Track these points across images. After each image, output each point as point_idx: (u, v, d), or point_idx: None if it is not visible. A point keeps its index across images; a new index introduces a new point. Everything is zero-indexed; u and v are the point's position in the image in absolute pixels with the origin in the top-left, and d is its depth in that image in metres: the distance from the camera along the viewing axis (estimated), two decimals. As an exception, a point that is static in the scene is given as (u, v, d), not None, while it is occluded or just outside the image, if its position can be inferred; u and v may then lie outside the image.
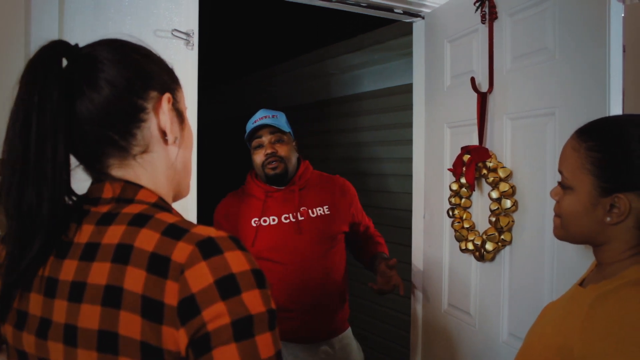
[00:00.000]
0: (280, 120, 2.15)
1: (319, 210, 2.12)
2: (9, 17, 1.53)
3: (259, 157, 2.13)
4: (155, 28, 1.74)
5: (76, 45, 0.80)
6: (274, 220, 2.08)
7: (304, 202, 2.12)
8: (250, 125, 2.16)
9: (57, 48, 0.77)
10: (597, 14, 1.48)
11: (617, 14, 1.43)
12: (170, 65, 0.89)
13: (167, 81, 0.85)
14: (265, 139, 2.12)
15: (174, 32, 1.76)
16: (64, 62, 0.78)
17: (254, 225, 2.07)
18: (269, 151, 2.10)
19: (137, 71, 0.80)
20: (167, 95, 0.83)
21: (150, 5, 1.73)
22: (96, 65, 0.78)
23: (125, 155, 0.80)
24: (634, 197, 0.99)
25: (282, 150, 2.11)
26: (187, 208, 1.81)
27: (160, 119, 0.82)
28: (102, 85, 0.76)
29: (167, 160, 0.84)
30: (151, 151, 0.82)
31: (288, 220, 2.08)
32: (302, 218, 2.09)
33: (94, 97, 0.76)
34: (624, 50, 2.25)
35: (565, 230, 1.11)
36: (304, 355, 2.08)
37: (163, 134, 0.83)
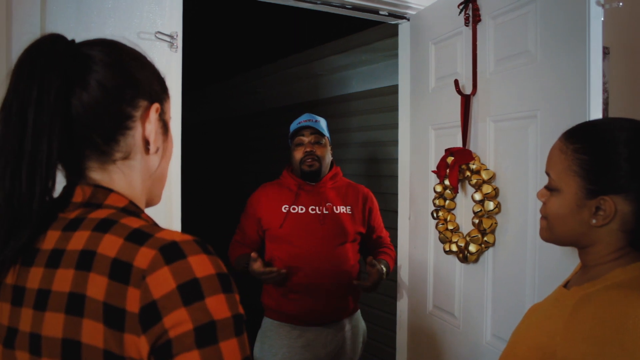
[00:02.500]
0: (321, 124, 2.40)
1: (342, 208, 2.35)
2: (-10, 18, 1.52)
3: (298, 154, 2.35)
4: (139, 30, 1.73)
5: (72, 41, 0.78)
6: (302, 209, 2.31)
7: (330, 199, 2.35)
8: (294, 125, 2.41)
9: (57, 42, 0.75)
10: (577, 17, 1.49)
11: (596, 17, 1.44)
12: (162, 75, 0.88)
13: (158, 91, 0.84)
14: (306, 138, 2.36)
15: (157, 35, 1.75)
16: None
17: (284, 211, 2.30)
18: (308, 149, 2.33)
19: (129, 78, 0.79)
20: (155, 106, 0.82)
21: (133, 8, 1.72)
22: (90, 65, 0.76)
23: (105, 159, 0.79)
24: (619, 200, 0.99)
25: (319, 151, 2.35)
26: (172, 213, 1.81)
27: (146, 128, 0.81)
28: (93, 87, 0.75)
29: (145, 169, 0.84)
30: (132, 159, 0.81)
31: (314, 212, 2.31)
32: (327, 212, 2.31)
33: (83, 97, 0.75)
34: (608, 53, 2.27)
35: (551, 232, 1.11)
36: (314, 337, 2.25)
37: (146, 143, 0.82)
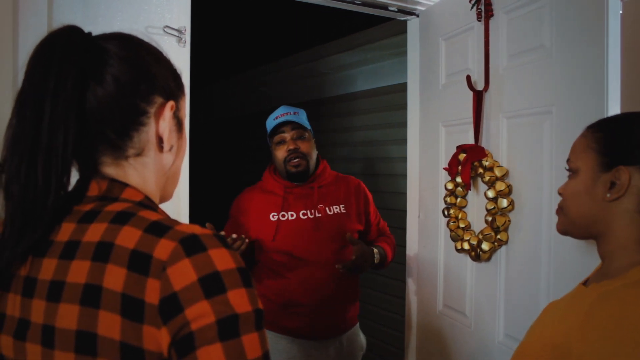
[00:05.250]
0: (301, 116, 2.17)
1: (336, 208, 2.16)
2: (-4, 12, 1.50)
3: (280, 153, 2.14)
4: (147, 25, 1.71)
5: (89, 33, 0.78)
6: (292, 215, 2.11)
7: (321, 200, 2.15)
8: (271, 121, 2.17)
9: (73, 34, 0.74)
10: (595, 10, 1.46)
11: (615, 10, 1.42)
12: (178, 71, 0.87)
13: (173, 88, 0.83)
14: (288, 135, 2.13)
15: (165, 29, 1.73)
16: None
17: (274, 219, 2.10)
18: (291, 147, 2.11)
19: (145, 73, 0.78)
20: (170, 103, 0.81)
21: (141, 2, 1.69)
22: (105, 58, 0.75)
23: (119, 155, 0.78)
24: (634, 171, 0.99)
25: (304, 147, 2.13)
26: (180, 210, 1.79)
27: (160, 125, 0.80)
28: (108, 81, 0.75)
29: (159, 166, 0.83)
30: (145, 155, 0.80)
31: (306, 217, 2.11)
32: (320, 215, 2.12)
33: (97, 91, 0.74)
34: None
35: (565, 218, 1.10)
36: (315, 352, 2.11)
37: (160, 140, 0.81)
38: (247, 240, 1.95)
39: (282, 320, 2.08)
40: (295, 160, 2.11)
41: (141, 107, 0.78)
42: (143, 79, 0.78)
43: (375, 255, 2.10)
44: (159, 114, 0.80)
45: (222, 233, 2.13)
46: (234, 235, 1.95)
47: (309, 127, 2.19)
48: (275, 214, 2.11)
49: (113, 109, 0.75)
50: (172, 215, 0.77)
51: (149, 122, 0.79)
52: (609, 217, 1.02)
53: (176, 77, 0.85)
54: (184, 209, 1.81)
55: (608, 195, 1.01)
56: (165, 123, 0.80)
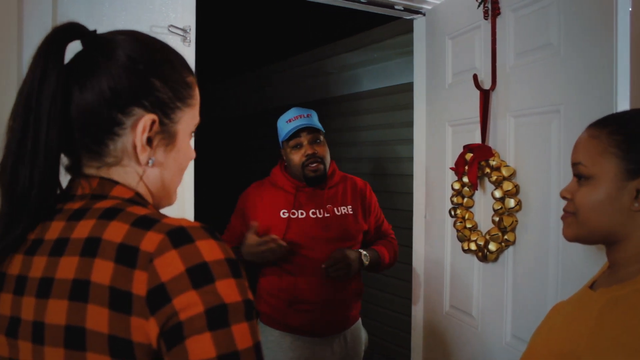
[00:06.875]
0: (314, 119, 2.18)
1: (343, 209, 2.18)
2: (1, 11, 1.49)
3: (297, 157, 2.14)
4: (151, 24, 1.70)
5: (94, 31, 0.78)
6: (302, 214, 2.13)
7: (330, 200, 2.18)
8: (285, 124, 2.17)
9: (66, 32, 0.75)
10: (603, 7, 1.44)
11: (624, 7, 1.40)
12: (189, 82, 0.83)
13: (165, 100, 0.79)
14: (304, 139, 2.14)
15: (170, 28, 1.72)
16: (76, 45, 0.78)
17: (284, 216, 2.12)
18: (309, 152, 2.12)
19: (129, 83, 0.75)
20: (149, 117, 0.77)
21: (145, 1, 1.69)
22: (91, 66, 0.75)
23: (99, 160, 0.78)
24: None
25: (320, 151, 2.14)
26: (184, 209, 1.78)
27: (136, 137, 0.77)
28: (88, 88, 0.74)
29: (145, 177, 0.81)
30: (125, 165, 0.78)
31: (315, 216, 2.13)
32: (329, 215, 2.14)
33: (77, 96, 0.75)
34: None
35: (581, 227, 1.02)
36: (320, 349, 2.12)
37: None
38: (283, 242, 1.98)
39: (287, 317, 2.09)
40: (314, 165, 2.12)
41: (117, 118, 0.76)
42: (125, 89, 0.75)
43: (364, 259, 2.11)
44: (135, 126, 0.77)
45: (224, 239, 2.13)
46: (274, 236, 1.99)
47: (323, 129, 2.19)
48: (286, 211, 2.12)
49: (88, 116, 0.75)
50: (176, 214, 0.76)
51: (124, 133, 0.76)
52: (631, 225, 0.98)
53: (175, 87, 0.80)
54: (188, 209, 1.80)
55: (636, 205, 0.96)
56: (138, 136, 0.77)
